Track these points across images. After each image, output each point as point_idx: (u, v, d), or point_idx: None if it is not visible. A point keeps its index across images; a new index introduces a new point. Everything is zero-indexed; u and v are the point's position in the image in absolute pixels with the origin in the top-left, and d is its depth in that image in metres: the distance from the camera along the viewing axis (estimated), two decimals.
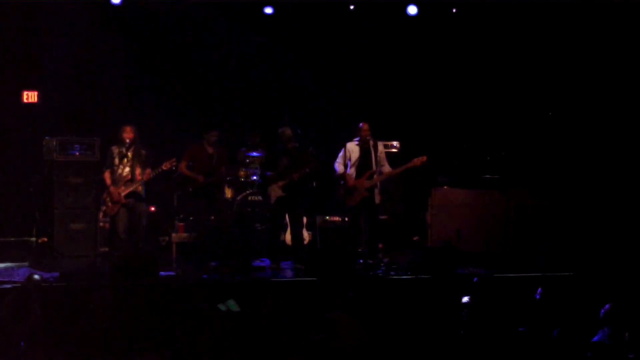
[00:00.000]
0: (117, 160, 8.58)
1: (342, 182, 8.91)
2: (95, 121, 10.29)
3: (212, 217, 8.93)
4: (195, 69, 10.91)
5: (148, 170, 8.59)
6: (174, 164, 8.60)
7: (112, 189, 8.53)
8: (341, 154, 8.92)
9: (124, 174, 8.59)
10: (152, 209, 9.14)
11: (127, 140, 8.54)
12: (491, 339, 5.36)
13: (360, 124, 8.92)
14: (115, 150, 8.65)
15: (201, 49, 10.87)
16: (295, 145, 8.96)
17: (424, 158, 8.84)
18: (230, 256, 8.81)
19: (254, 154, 10.33)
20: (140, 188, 8.62)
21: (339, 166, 8.92)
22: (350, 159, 8.80)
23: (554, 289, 6.30)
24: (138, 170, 8.57)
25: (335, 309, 5.95)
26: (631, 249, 9.00)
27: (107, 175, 8.61)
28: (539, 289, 6.35)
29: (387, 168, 8.99)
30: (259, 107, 11.10)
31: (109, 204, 8.58)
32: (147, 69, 10.75)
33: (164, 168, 8.56)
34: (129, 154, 8.59)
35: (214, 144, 8.61)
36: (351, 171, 8.84)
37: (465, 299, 6.01)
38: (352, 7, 10.75)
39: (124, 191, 8.55)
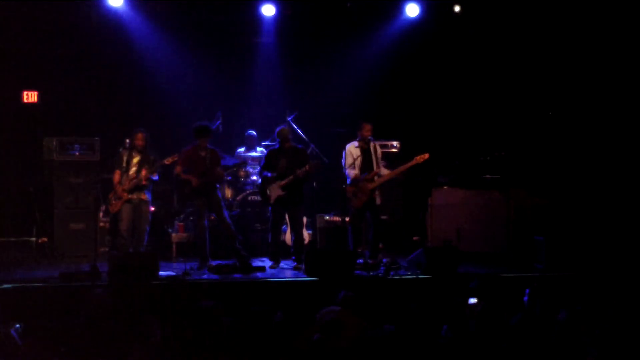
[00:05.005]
0: (125, 164, 8.64)
1: (343, 185, 8.88)
2: (95, 121, 10.29)
3: (212, 217, 8.94)
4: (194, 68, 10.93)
5: (148, 172, 8.62)
6: (176, 159, 8.64)
7: (117, 186, 8.59)
8: (347, 158, 8.87)
9: (132, 174, 8.63)
10: (152, 209, 9.15)
11: (139, 146, 8.61)
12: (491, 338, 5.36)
13: (363, 124, 8.91)
14: (124, 153, 8.71)
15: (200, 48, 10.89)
16: (293, 145, 8.95)
17: (426, 155, 8.80)
18: (230, 256, 8.81)
19: (253, 154, 10.33)
20: (144, 196, 8.64)
21: (350, 171, 8.84)
22: (356, 161, 8.78)
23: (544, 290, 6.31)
24: (144, 173, 8.61)
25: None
26: (631, 249, 9.02)
27: (116, 174, 8.66)
28: (527, 290, 6.34)
29: (384, 170, 8.97)
30: (259, 107, 11.10)
31: (113, 201, 8.62)
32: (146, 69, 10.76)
33: (166, 162, 8.62)
34: (139, 158, 8.66)
35: (205, 148, 8.68)
36: (355, 173, 8.82)
37: (472, 301, 5.98)
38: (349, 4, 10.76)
39: (127, 186, 8.57)
